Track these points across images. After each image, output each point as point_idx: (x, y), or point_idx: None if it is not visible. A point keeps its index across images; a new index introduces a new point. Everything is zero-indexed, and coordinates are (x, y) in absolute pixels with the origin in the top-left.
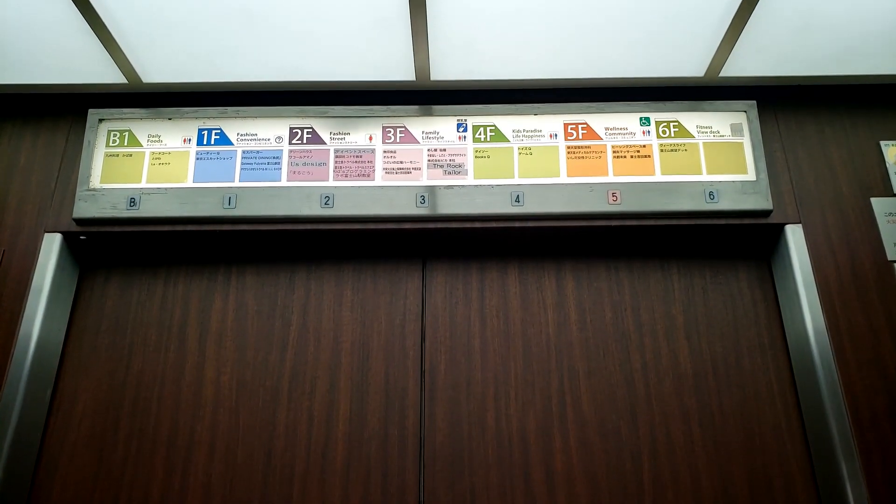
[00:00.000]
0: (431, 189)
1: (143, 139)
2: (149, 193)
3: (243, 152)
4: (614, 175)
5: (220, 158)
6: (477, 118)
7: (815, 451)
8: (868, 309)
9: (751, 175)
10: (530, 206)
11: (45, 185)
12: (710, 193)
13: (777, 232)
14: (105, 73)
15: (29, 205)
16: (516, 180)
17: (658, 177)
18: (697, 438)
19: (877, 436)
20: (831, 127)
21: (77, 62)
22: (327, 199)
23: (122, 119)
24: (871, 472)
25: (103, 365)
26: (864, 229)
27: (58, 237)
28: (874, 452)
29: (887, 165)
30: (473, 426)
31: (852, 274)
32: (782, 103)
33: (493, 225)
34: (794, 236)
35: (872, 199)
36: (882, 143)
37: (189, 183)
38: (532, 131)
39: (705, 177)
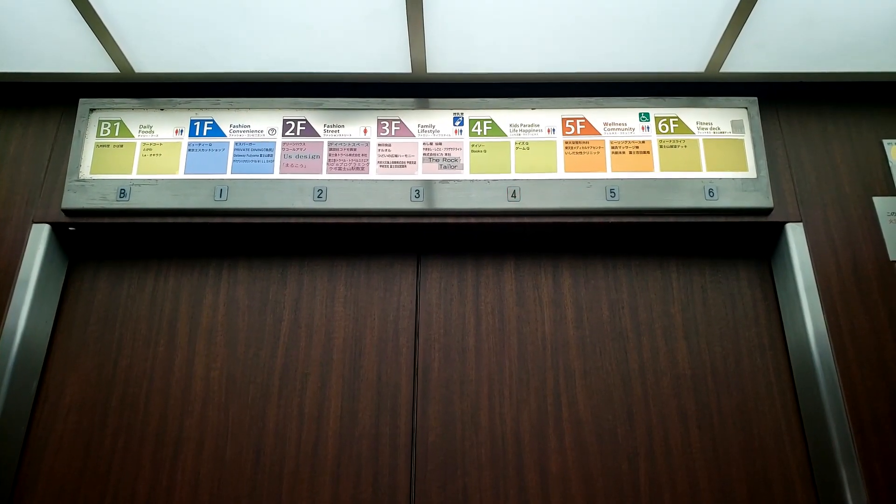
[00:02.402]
0: (427, 183)
1: (134, 130)
2: (139, 185)
3: (236, 144)
4: (613, 171)
5: (213, 150)
6: (473, 112)
7: (814, 454)
8: (870, 310)
9: (751, 172)
10: (527, 202)
11: (34, 175)
12: (710, 191)
13: (778, 230)
14: (97, 62)
15: (18, 195)
16: (513, 175)
17: (657, 173)
18: (695, 440)
19: (878, 439)
20: (834, 124)
21: (68, 51)
22: (320, 193)
23: (113, 109)
24: (871, 476)
25: (91, 359)
26: (867, 229)
27: (46, 228)
28: (875, 457)
29: (890, 164)
30: (467, 425)
31: (854, 274)
32: (784, 100)
33: (489, 220)
34: (795, 235)
35: (875, 199)
36: (885, 141)
37: (180, 174)
38: (529, 126)
39: (705, 174)
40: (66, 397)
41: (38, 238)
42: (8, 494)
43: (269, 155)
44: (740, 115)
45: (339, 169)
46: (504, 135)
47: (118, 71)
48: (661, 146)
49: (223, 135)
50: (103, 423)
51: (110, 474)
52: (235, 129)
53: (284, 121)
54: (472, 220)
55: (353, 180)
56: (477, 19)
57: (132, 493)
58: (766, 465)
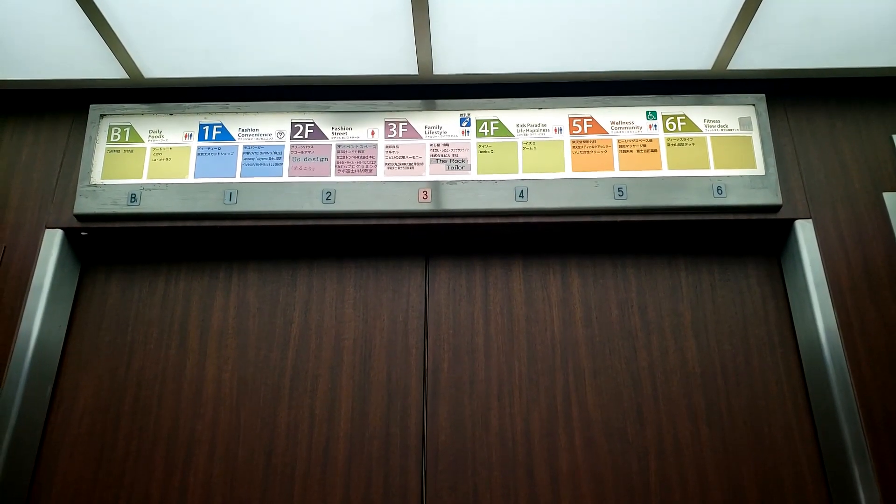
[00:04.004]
0: (434, 184)
1: (144, 135)
2: (150, 189)
3: (244, 147)
4: (620, 170)
5: (222, 154)
6: (480, 112)
7: (826, 452)
8: (881, 306)
9: (760, 169)
10: (535, 202)
11: (46, 180)
12: (718, 188)
13: (787, 227)
14: (106, 68)
15: (30, 201)
16: (520, 175)
17: (665, 171)
18: (705, 439)
19: (890, 437)
20: (842, 120)
21: (78, 58)
22: (329, 195)
23: (123, 115)
24: (884, 474)
25: (104, 362)
26: (877, 225)
27: (59, 233)
28: (887, 454)
29: None
30: (476, 425)
31: (864, 270)
32: (792, 97)
33: (497, 220)
34: (804, 232)
35: (885, 194)
36: (895, 136)
37: (190, 178)
38: (536, 125)
39: (713, 171)
40: (80, 401)
41: (51, 243)
42: (24, 497)
43: (277, 158)
44: (748, 112)
45: (348, 171)
46: (511, 135)
47: (128, 77)
48: (668, 144)
49: (232, 139)
50: (116, 425)
51: (124, 476)
52: (244, 132)
53: (292, 124)
54: (480, 220)
55: (361, 182)
56: (482, 20)
57: (145, 494)
58: (777, 463)
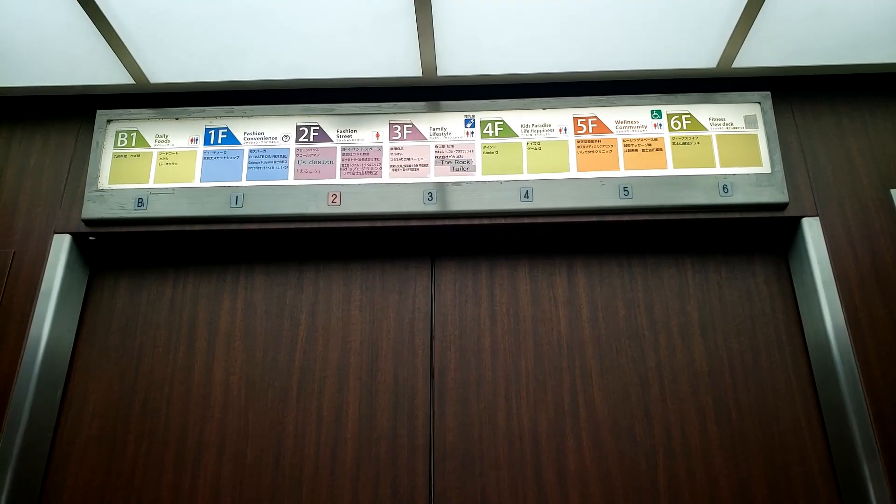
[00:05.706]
0: (439, 186)
1: (150, 139)
2: (156, 193)
3: (250, 151)
4: (626, 169)
5: (227, 157)
6: (485, 113)
7: (835, 450)
8: (889, 303)
9: (766, 167)
10: (540, 202)
11: (54, 186)
12: (724, 186)
13: (794, 225)
14: (112, 74)
15: (39, 206)
16: (525, 176)
17: (670, 170)
18: (714, 438)
19: None
20: (849, 117)
21: (84, 64)
22: (335, 198)
23: (129, 120)
24: (894, 471)
25: (113, 366)
26: (885, 221)
27: (67, 238)
28: None
29: None
30: (484, 426)
31: (872, 267)
32: (798, 94)
33: (502, 221)
34: (812, 229)
35: (893, 191)
36: None
37: (196, 182)
38: (541, 126)
39: (719, 170)
40: (90, 404)
41: (60, 248)
42: (35, 500)
43: (283, 161)
44: (753, 109)
45: (353, 173)
46: (516, 135)
47: (133, 82)
48: (673, 143)
49: (238, 142)
50: (126, 428)
51: (134, 479)
52: (249, 136)
53: (297, 127)
54: (486, 221)
55: (366, 184)
56: (486, 21)
57: (155, 497)
58: (787, 462)
